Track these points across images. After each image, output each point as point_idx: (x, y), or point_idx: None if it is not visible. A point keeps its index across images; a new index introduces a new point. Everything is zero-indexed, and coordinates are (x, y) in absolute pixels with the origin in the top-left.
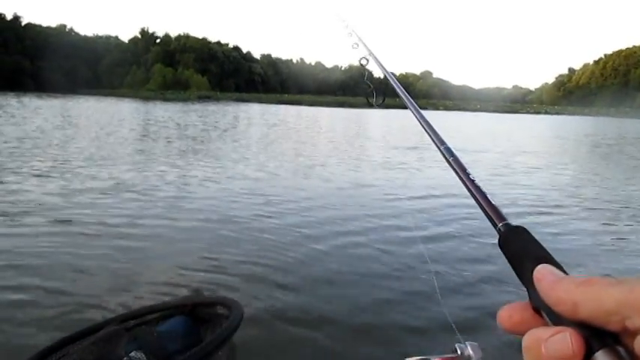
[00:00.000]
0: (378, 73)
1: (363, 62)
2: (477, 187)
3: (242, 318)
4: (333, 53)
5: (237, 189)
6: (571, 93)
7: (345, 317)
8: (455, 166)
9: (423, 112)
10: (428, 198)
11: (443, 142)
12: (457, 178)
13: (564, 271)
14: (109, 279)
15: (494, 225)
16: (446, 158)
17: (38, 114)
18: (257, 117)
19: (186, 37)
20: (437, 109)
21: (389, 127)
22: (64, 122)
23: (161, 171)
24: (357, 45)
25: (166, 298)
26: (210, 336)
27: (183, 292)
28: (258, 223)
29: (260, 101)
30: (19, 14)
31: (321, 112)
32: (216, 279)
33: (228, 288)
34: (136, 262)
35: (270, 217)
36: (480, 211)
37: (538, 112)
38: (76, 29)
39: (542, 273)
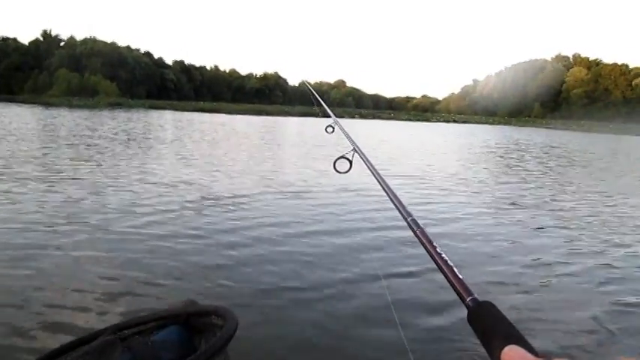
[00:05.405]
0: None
1: (329, 130)
2: (445, 261)
3: (237, 327)
4: (248, 60)
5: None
6: (476, 102)
7: (340, 327)
8: (422, 238)
9: (384, 179)
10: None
11: (409, 214)
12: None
13: (533, 350)
14: (101, 288)
15: (462, 299)
16: (413, 230)
17: None
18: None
19: (94, 40)
20: (353, 117)
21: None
22: None
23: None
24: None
25: (159, 308)
26: (205, 346)
27: (177, 302)
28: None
29: (175, 109)
30: None
31: (244, 121)
32: (210, 288)
33: (221, 298)
34: (126, 271)
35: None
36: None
37: (447, 121)
38: None
39: (511, 356)
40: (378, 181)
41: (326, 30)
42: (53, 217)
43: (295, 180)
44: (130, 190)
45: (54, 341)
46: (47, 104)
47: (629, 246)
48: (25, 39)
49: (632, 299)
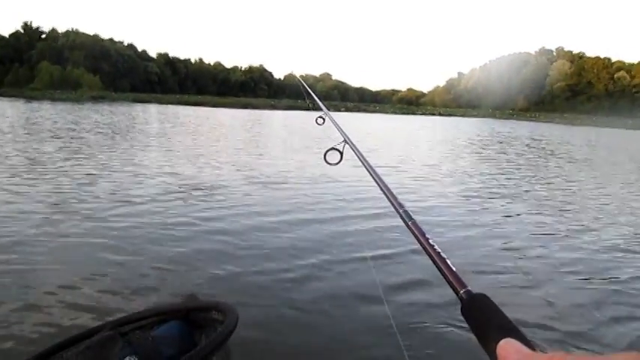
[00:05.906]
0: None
1: (319, 121)
2: (438, 253)
3: (237, 323)
4: (233, 53)
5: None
6: (460, 96)
7: (339, 321)
8: (414, 230)
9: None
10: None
11: (402, 206)
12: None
13: (529, 343)
14: (103, 284)
15: (456, 292)
16: (405, 222)
17: None
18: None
19: (76, 32)
20: (339, 110)
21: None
22: None
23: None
24: (311, 105)
25: (158, 300)
26: (205, 341)
27: (177, 297)
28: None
29: (159, 102)
30: None
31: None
32: (212, 284)
33: (223, 293)
34: (128, 267)
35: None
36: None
37: (433, 114)
38: None
39: (507, 350)
40: (370, 173)
41: (311, 23)
42: (43, 209)
43: (285, 171)
44: (118, 181)
45: (53, 337)
46: (29, 97)
47: (597, 230)
48: (5, 31)
49: (614, 287)
